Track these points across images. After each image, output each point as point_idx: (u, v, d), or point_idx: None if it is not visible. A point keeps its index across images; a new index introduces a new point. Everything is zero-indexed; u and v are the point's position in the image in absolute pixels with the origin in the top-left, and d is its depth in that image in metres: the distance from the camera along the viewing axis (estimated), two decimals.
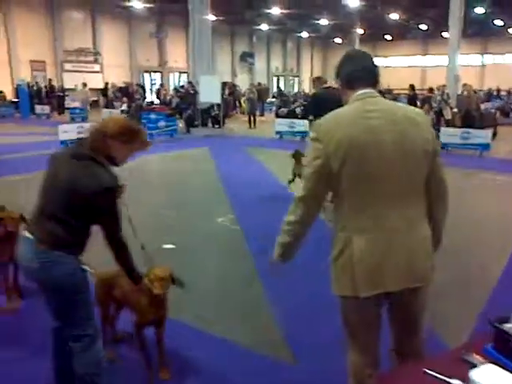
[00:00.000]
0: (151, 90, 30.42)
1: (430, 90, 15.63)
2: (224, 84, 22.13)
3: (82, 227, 2.32)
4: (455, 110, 15.02)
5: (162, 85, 30.24)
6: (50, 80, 25.73)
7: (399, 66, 45.64)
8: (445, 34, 29.92)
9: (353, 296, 2.01)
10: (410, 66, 44.99)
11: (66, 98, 25.14)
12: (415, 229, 2.01)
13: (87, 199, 2.22)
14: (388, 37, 43.77)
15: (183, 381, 2.95)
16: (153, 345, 2.92)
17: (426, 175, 2.02)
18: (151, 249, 2.80)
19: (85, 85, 22.00)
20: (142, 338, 2.83)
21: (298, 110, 17.57)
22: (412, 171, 1.98)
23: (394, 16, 31.65)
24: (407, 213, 1.99)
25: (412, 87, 15.73)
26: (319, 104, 7.18)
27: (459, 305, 3.98)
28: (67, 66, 29.37)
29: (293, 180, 7.56)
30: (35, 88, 24.45)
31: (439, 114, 14.33)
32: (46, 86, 25.17)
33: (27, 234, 2.33)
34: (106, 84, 27.33)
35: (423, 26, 36.39)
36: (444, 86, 15.84)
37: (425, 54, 45.46)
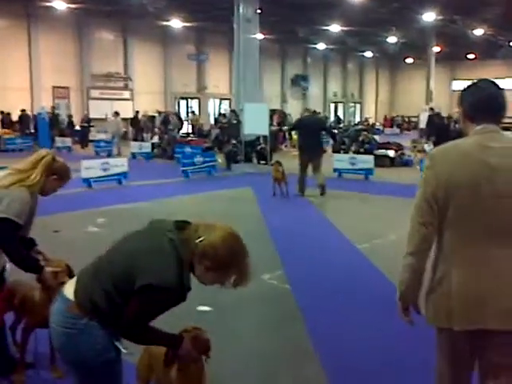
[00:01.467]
0: (187, 119, 31.31)
1: None
2: (272, 112, 22.45)
3: (122, 304, 2.29)
4: None
5: (193, 112, 30.80)
6: (70, 116, 27.09)
7: None
8: None
9: (448, 328, 2.33)
10: None
11: (91, 129, 26.25)
12: None
13: (132, 281, 2.23)
14: (471, 56, 43.48)
15: None
16: None
17: None
18: (182, 310, 2.75)
19: (117, 114, 22.88)
20: None
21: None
22: None
23: (479, 32, 31.50)
24: None
25: None
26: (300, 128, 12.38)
27: None
28: (94, 93, 30.96)
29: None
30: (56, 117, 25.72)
31: None
32: (69, 116, 26.49)
33: (65, 292, 2.37)
34: (137, 113, 28.42)
35: None
36: None
37: None
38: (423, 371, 2.82)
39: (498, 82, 2.45)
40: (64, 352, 2.37)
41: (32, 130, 24.51)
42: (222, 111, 30.68)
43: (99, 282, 2.30)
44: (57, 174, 3.45)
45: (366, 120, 37.55)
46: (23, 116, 25.16)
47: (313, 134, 12.16)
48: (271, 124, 20.08)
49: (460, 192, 2.28)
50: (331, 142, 17.50)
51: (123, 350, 2.39)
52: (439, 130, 18.29)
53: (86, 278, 2.37)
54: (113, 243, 2.45)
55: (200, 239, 2.24)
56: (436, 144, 17.38)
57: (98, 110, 29.38)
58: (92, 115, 27.71)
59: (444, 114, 23.57)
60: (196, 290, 2.54)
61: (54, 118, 24.93)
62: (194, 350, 2.55)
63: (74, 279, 2.44)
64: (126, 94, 32.53)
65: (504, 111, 2.45)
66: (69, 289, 2.38)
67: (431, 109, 20.51)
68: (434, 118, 19.38)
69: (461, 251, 2.33)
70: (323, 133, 13.19)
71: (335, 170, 15.53)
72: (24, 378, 3.57)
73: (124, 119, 28.24)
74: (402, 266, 2.41)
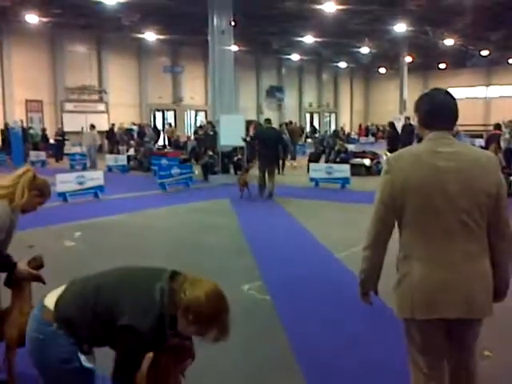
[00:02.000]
0: (163, 131, 31.22)
1: (497, 126, 15.56)
2: (248, 123, 22.52)
3: (90, 327, 2.35)
4: None
5: (170, 124, 30.77)
6: (43, 130, 26.76)
7: (457, 98, 45.76)
8: None
9: (411, 318, 2.57)
10: (470, 98, 45.06)
11: (66, 142, 25.99)
12: (474, 263, 2.53)
13: (113, 318, 2.28)
14: (442, 65, 44.31)
15: None
16: None
17: (487, 216, 2.52)
18: None
19: (93, 127, 22.64)
20: None
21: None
22: (473, 211, 2.49)
23: (449, 42, 32.13)
24: (466, 248, 2.51)
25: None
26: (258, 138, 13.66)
27: None
28: (68, 106, 30.71)
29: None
30: (30, 132, 25.37)
31: (510, 154, 14.14)
32: (43, 130, 26.19)
33: (44, 300, 2.44)
34: (112, 125, 28.24)
35: (485, 52, 36.74)
36: None
37: (488, 85, 45.67)
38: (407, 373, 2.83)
39: (468, 89, 2.62)
40: (33, 357, 2.41)
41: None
42: (199, 123, 30.72)
43: (79, 307, 2.35)
44: (38, 190, 3.42)
45: (342, 129, 37.86)
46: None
47: (270, 145, 13.31)
48: (247, 135, 20.12)
49: (414, 194, 2.51)
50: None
51: (84, 364, 2.38)
52: (391, 138, 19.62)
53: (68, 295, 2.42)
54: (103, 271, 2.54)
55: (185, 293, 2.26)
56: (391, 151, 17.84)
57: (73, 123, 29.19)
58: (66, 128, 27.47)
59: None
60: None
61: (26, 132, 24.61)
62: (175, 358, 2.56)
63: (56, 291, 2.47)
64: (101, 107, 32.34)
65: (455, 119, 2.65)
66: (49, 298, 2.43)
67: (407, 118, 20.83)
68: (406, 127, 19.74)
69: (419, 249, 2.55)
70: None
71: (312, 179, 15.64)
72: None
73: (99, 132, 28.08)
74: (361, 257, 2.71)
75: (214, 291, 2.31)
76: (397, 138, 19.00)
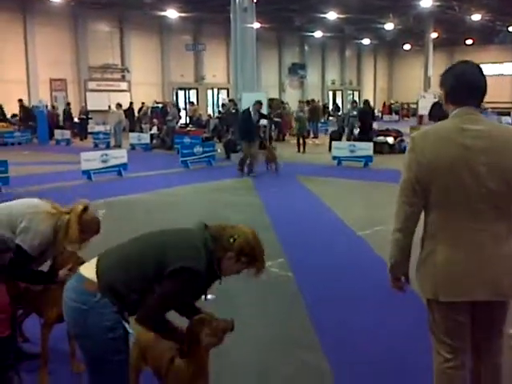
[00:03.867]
0: (185, 109, 31.19)
1: None
2: (271, 101, 22.41)
3: (139, 290, 2.42)
4: None
5: (192, 103, 30.78)
6: (68, 104, 26.91)
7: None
8: None
9: (434, 299, 2.51)
10: (497, 75, 44.02)
11: (89, 121, 26.21)
12: (501, 245, 2.44)
13: (163, 269, 2.38)
14: (469, 41, 43.30)
15: None
16: None
17: None
18: None
19: (120, 105, 22.65)
20: None
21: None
22: (501, 191, 2.41)
23: (476, 17, 31.35)
24: (493, 229, 2.43)
25: None
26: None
27: None
28: (91, 85, 30.86)
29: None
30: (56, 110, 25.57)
31: None
32: (66, 108, 26.40)
33: (82, 271, 2.49)
34: (131, 104, 28.31)
35: None
36: None
37: None
38: (429, 356, 2.84)
39: (495, 66, 2.53)
40: (74, 326, 2.47)
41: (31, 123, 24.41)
42: (221, 101, 30.58)
43: (126, 271, 2.43)
44: (83, 226, 3.38)
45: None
46: (23, 107, 24.87)
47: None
48: (270, 113, 20.00)
49: (441, 173, 2.42)
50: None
51: (130, 331, 2.47)
52: (363, 115, 18.24)
53: (108, 262, 2.49)
54: (138, 236, 2.61)
55: (233, 238, 2.51)
56: (362, 130, 17.48)
57: (96, 101, 29.33)
58: (90, 107, 27.64)
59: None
60: None
61: (53, 111, 24.86)
62: (211, 341, 2.65)
63: (90, 263, 2.54)
64: (124, 86, 32.43)
65: (483, 95, 2.53)
66: (85, 269, 2.50)
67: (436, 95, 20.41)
68: (436, 104, 19.32)
69: (445, 230, 2.48)
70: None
71: (334, 157, 15.54)
72: (47, 375, 3.58)
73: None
74: (390, 241, 2.60)
75: (254, 233, 2.61)
76: (369, 116, 18.47)
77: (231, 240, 2.51)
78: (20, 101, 24.65)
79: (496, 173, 2.40)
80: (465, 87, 2.50)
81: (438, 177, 2.42)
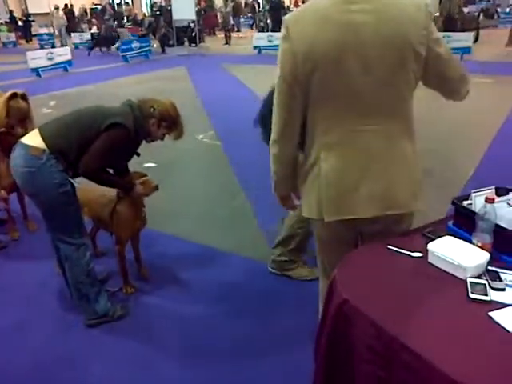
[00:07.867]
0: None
1: None
2: None
3: (81, 149, 2.38)
4: (437, 14, 14.51)
5: (127, 3, 28.53)
6: (11, 11, 24.01)
7: None
8: None
9: (320, 219, 1.74)
10: None
11: (33, 23, 23.69)
12: (394, 148, 1.65)
13: (98, 128, 2.37)
14: None
15: (162, 284, 3.07)
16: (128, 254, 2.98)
17: (415, 84, 1.63)
18: (131, 166, 2.81)
19: (57, 8, 20.55)
20: (123, 253, 2.88)
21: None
22: (399, 80, 1.59)
23: None
24: (387, 129, 1.64)
25: None
26: None
27: (437, 190, 4.08)
28: None
29: None
30: None
31: None
32: (10, 11, 23.64)
33: (25, 141, 2.39)
34: (66, 6, 25.61)
35: None
36: None
37: None
38: None
39: None
40: (27, 187, 2.41)
41: None
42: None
43: (67, 134, 2.37)
44: (9, 111, 3.17)
45: None
46: None
47: None
48: (199, 9, 18.78)
49: (321, 62, 1.55)
50: None
51: (76, 184, 2.47)
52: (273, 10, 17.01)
53: (50, 130, 2.40)
54: (74, 111, 2.51)
55: (154, 107, 2.57)
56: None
57: (36, 4, 26.31)
58: (30, 10, 24.77)
59: None
60: (142, 150, 2.63)
61: None
62: (143, 191, 2.74)
63: (32, 133, 2.43)
64: None
65: None
66: (28, 139, 2.40)
67: None
68: None
69: (328, 133, 1.66)
70: None
71: (255, 47, 15.09)
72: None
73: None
74: (270, 156, 1.83)
75: (173, 103, 2.69)
76: (279, 9, 16.97)
77: (152, 109, 2.57)
78: None
79: (390, 53, 1.54)
80: None
81: (317, 68, 1.56)
